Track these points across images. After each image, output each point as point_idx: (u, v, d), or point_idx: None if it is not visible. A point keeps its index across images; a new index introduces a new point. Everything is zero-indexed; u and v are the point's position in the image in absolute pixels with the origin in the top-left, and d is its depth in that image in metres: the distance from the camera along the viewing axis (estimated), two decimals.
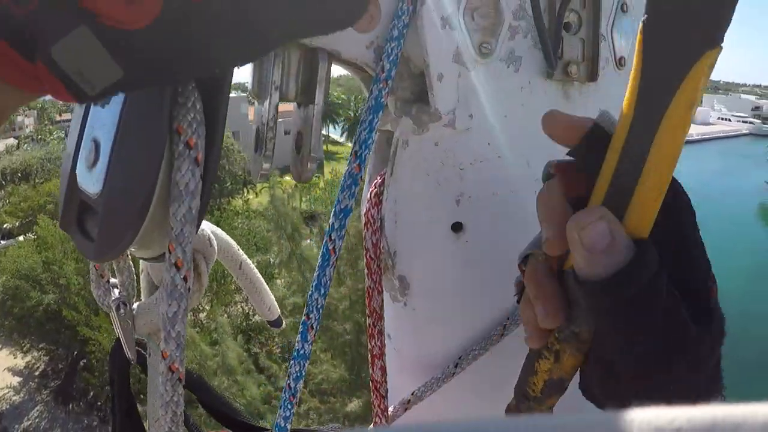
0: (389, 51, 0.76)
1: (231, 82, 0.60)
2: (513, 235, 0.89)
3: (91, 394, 21.95)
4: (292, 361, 0.80)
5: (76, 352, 22.74)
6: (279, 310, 1.15)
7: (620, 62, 0.93)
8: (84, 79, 0.41)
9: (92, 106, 0.59)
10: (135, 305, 0.88)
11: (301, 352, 0.80)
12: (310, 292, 0.79)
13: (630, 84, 0.49)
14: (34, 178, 36.55)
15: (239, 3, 0.42)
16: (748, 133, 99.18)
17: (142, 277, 0.90)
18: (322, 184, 33.96)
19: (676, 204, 0.52)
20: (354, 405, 13.28)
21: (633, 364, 0.51)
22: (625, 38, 0.93)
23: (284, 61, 0.75)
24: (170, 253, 0.55)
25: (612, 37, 0.91)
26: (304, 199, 35.51)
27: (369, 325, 0.89)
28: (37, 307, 21.64)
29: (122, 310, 0.85)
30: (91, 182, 0.56)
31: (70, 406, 22.34)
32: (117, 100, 0.55)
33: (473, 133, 0.83)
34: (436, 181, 0.84)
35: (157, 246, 0.59)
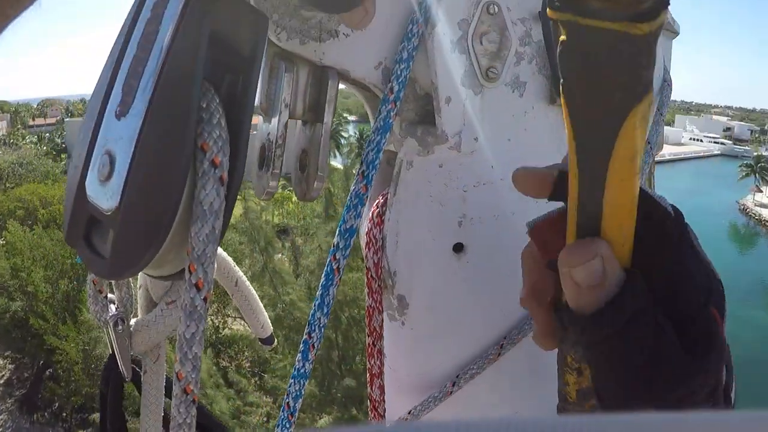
0: (398, 72, 0.77)
1: (254, 97, 0.60)
2: (512, 256, 0.90)
3: (57, 404, 21.65)
4: (291, 380, 0.80)
5: (42, 362, 22.43)
6: (272, 328, 1.14)
7: None
8: None
9: (104, 119, 0.58)
10: (132, 321, 0.87)
11: (302, 371, 0.80)
12: (312, 311, 0.79)
13: (568, 143, 0.48)
14: (5, 182, 36.06)
15: None
16: (720, 153, 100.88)
17: (139, 293, 0.89)
18: (294, 198, 33.93)
19: (665, 230, 0.52)
20: (323, 421, 13.24)
21: (622, 394, 0.51)
22: None
23: (294, 78, 0.75)
24: (191, 273, 0.55)
25: None
26: (277, 212, 35.48)
27: (369, 344, 0.89)
28: (3, 314, 21.34)
29: (120, 327, 0.84)
30: (104, 197, 0.55)
31: (35, 416, 22.00)
32: (135, 113, 0.54)
33: (477, 155, 0.84)
34: (440, 202, 0.85)
35: (170, 265, 0.58)
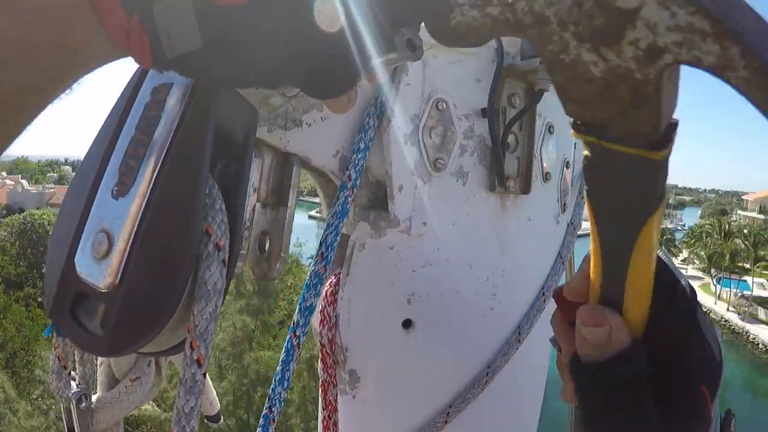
0: (356, 161, 0.84)
1: (247, 184, 0.64)
2: (457, 330, 0.97)
3: None
4: None
5: None
6: (219, 405, 1.16)
7: (546, 177, 1.04)
8: (169, 39, 0.45)
9: (97, 198, 0.60)
10: (94, 398, 0.88)
11: None
12: (273, 386, 0.82)
13: (592, 239, 0.55)
14: None
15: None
16: None
17: (100, 369, 0.90)
18: None
19: (677, 306, 0.57)
20: None
21: None
22: (550, 155, 1.05)
23: (261, 164, 0.80)
24: (192, 349, 0.57)
25: (541, 155, 1.02)
26: None
27: (324, 417, 0.93)
28: None
29: (83, 404, 0.84)
30: (99, 274, 0.56)
31: None
32: (136, 194, 0.56)
33: (426, 238, 0.91)
34: (390, 282, 0.91)
35: (161, 343, 0.60)
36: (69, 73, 0.47)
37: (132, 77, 0.64)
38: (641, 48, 0.41)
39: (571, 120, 0.49)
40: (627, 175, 0.48)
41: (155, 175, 0.57)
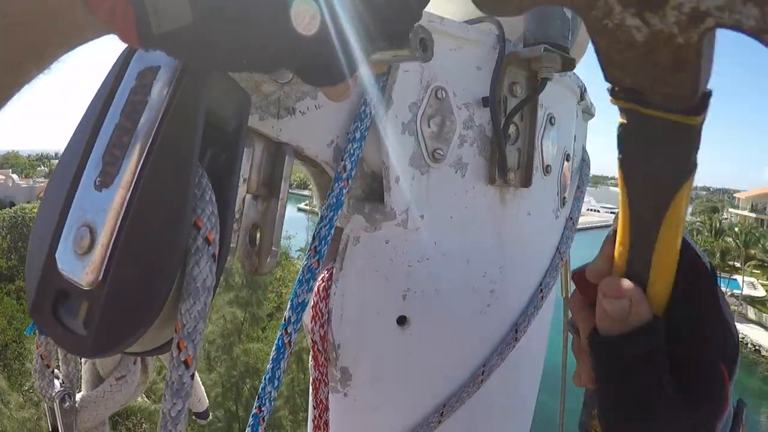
0: (351, 151, 0.80)
1: (239, 174, 0.61)
2: (453, 327, 0.94)
3: None
4: None
5: None
6: (207, 402, 1.13)
7: (547, 170, 1.01)
8: (157, 14, 0.42)
9: (79, 189, 0.56)
10: (78, 397, 0.84)
11: None
12: (262, 385, 0.79)
13: (621, 209, 0.55)
14: None
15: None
16: None
17: (85, 368, 0.86)
18: None
19: (700, 285, 0.57)
20: None
21: (611, 417, 0.58)
22: (551, 147, 1.01)
23: (252, 153, 0.77)
24: (180, 350, 0.54)
25: (542, 147, 0.99)
26: None
27: (315, 416, 0.90)
28: None
29: (67, 403, 0.81)
30: (81, 271, 0.52)
31: None
32: (120, 184, 0.53)
33: (422, 232, 0.88)
34: (385, 277, 0.88)
35: (147, 342, 0.57)
36: (48, 49, 0.44)
37: (117, 61, 0.60)
38: (684, 12, 0.42)
39: (609, 86, 0.49)
40: (663, 142, 0.49)
41: (141, 164, 0.53)
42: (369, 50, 0.52)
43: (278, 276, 20.53)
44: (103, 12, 0.42)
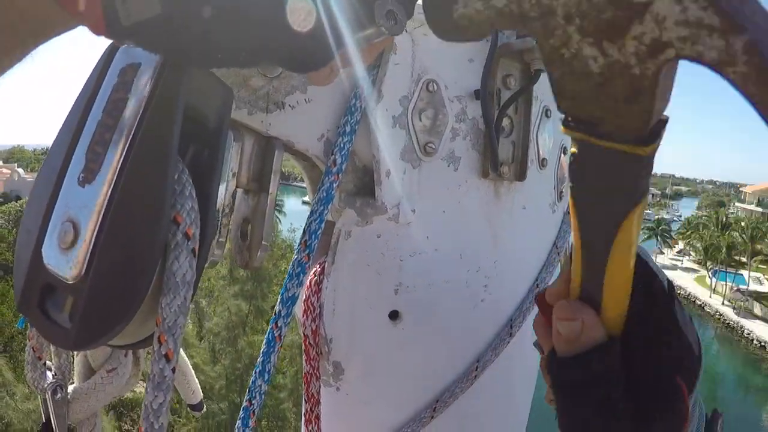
0: (341, 145, 0.80)
1: (221, 169, 0.60)
2: (445, 322, 0.93)
3: None
4: None
5: None
6: (201, 394, 1.13)
7: (542, 163, 1.00)
8: (125, 5, 0.42)
9: (63, 185, 0.57)
10: (70, 389, 0.85)
11: None
12: (253, 378, 0.79)
13: (573, 234, 0.55)
14: None
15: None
16: None
17: (77, 360, 0.87)
18: None
19: (655, 302, 0.57)
20: None
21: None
22: (547, 141, 1.01)
23: (241, 148, 0.76)
24: (160, 344, 0.54)
25: (537, 140, 0.98)
26: None
27: (306, 410, 0.89)
28: None
29: (59, 395, 0.82)
30: (66, 265, 0.53)
31: None
32: (101, 180, 0.53)
33: (414, 226, 0.87)
34: (376, 271, 0.87)
35: (130, 336, 0.57)
36: (18, 40, 0.43)
37: (101, 57, 0.61)
38: (644, 43, 0.41)
39: (562, 116, 0.49)
40: (613, 170, 0.48)
41: (121, 160, 0.53)
42: (349, 32, 0.52)
43: (283, 269, 20.61)
44: (69, 4, 0.41)
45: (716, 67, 0.39)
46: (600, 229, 0.52)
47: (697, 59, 0.40)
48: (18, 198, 49.54)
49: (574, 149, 0.50)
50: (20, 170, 69.77)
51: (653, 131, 0.45)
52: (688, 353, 0.58)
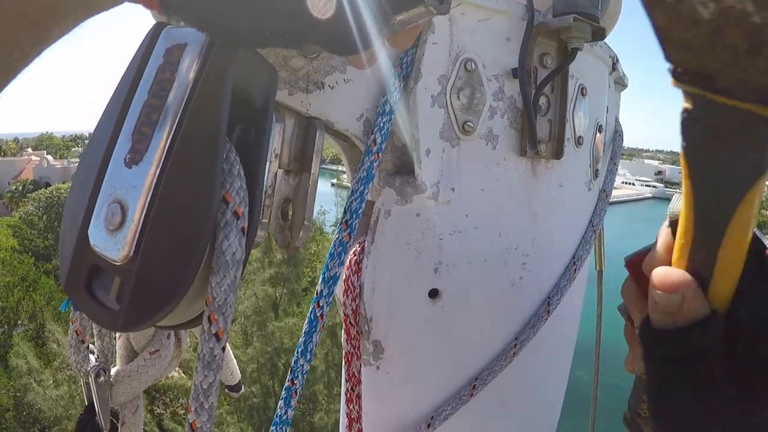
0: (381, 125, 0.80)
1: (267, 149, 0.61)
2: (485, 301, 0.94)
3: None
4: (273, 427, 0.81)
5: None
6: (240, 375, 1.14)
7: (579, 141, 1.00)
8: None
9: (109, 167, 0.57)
10: (112, 372, 0.86)
11: (284, 417, 0.80)
12: (295, 358, 0.80)
13: (684, 200, 0.51)
14: None
15: None
16: (652, 196, 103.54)
17: (119, 342, 0.88)
18: None
19: (764, 283, 0.53)
20: None
21: (653, 411, 0.56)
22: (583, 119, 1.00)
23: (284, 128, 0.77)
24: (211, 323, 0.55)
25: (573, 119, 0.98)
26: None
27: (347, 389, 0.90)
28: None
29: (102, 378, 0.83)
30: (114, 246, 0.54)
31: None
32: (149, 161, 0.54)
33: (453, 205, 0.87)
34: (416, 250, 0.88)
35: (179, 316, 0.58)
36: (69, 8, 0.44)
37: (144, 39, 0.61)
38: None
39: (671, 67, 0.44)
40: (735, 135, 0.43)
41: (169, 141, 0.54)
42: (389, 14, 0.52)
43: (312, 251, 20.67)
44: None
45: None
46: (719, 201, 0.48)
47: None
48: (48, 185, 50.14)
49: (687, 104, 0.45)
50: (49, 157, 70.56)
51: None
52: None
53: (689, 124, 0.46)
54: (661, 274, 0.54)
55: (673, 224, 0.55)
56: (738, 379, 0.52)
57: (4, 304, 22.96)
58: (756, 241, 0.52)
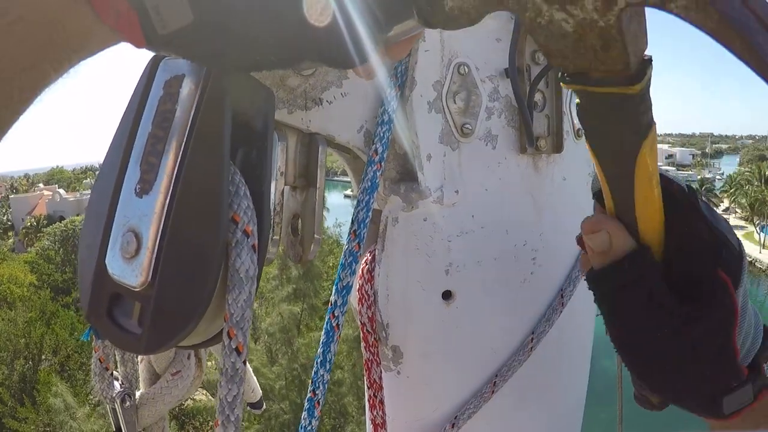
0: (381, 135, 0.82)
1: (270, 169, 0.63)
2: (498, 297, 0.95)
3: None
4: None
5: None
6: (261, 392, 1.16)
7: (578, 133, 1.01)
8: (159, 15, 0.44)
9: (120, 198, 0.59)
10: (137, 395, 0.88)
11: (308, 428, 0.82)
12: (315, 369, 0.81)
13: (598, 175, 0.62)
14: None
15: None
16: None
17: (141, 366, 0.90)
18: None
19: (676, 201, 0.62)
20: None
21: (623, 344, 0.63)
22: None
23: (286, 146, 0.79)
24: (230, 338, 0.57)
25: (571, 112, 0.99)
26: None
27: (369, 396, 0.92)
28: None
29: (128, 403, 0.85)
30: (131, 273, 0.56)
31: None
32: (158, 190, 0.56)
33: (459, 207, 0.89)
34: (426, 254, 0.89)
35: (200, 335, 0.60)
36: (63, 53, 0.46)
37: (143, 72, 0.63)
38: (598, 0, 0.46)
39: (560, 74, 0.54)
40: (612, 112, 0.54)
41: (176, 169, 0.56)
42: (383, 26, 0.53)
43: (331, 264, 20.69)
44: (108, 17, 0.44)
45: (660, 6, 0.44)
46: (619, 167, 0.58)
47: (644, 4, 0.45)
48: (61, 218, 50.51)
49: (577, 99, 0.56)
50: (61, 191, 71.07)
51: (639, 70, 0.51)
52: (725, 245, 0.61)
53: (581, 113, 0.57)
54: (587, 220, 0.64)
55: (596, 196, 0.66)
56: (681, 296, 0.59)
57: (28, 340, 23.12)
58: (667, 181, 0.62)
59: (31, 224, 55.21)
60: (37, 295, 27.50)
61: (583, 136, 1.03)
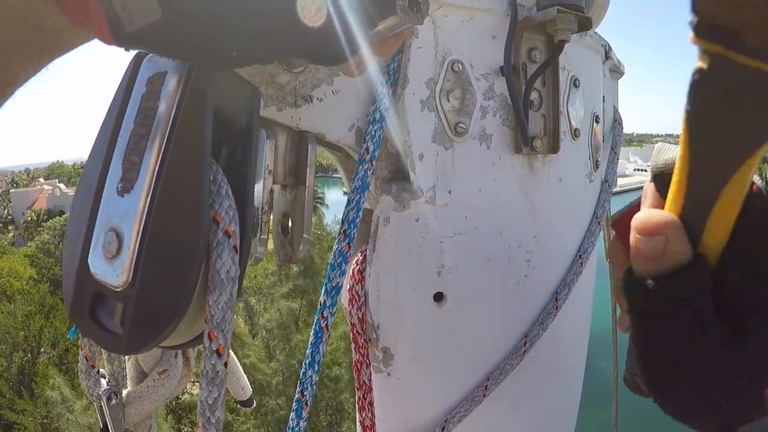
0: (372, 133, 0.80)
1: (255, 167, 0.61)
2: (491, 300, 0.93)
3: None
4: None
5: None
6: (251, 390, 1.15)
7: (575, 133, 1.00)
8: (126, 11, 0.43)
9: (103, 197, 0.58)
10: (124, 393, 0.87)
11: (296, 429, 0.80)
12: (303, 369, 0.80)
13: (679, 161, 0.49)
14: None
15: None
16: None
17: (128, 364, 0.89)
18: None
19: (751, 212, 0.49)
20: None
21: (643, 371, 0.54)
22: (578, 111, 1.00)
23: (275, 144, 0.77)
24: (211, 340, 0.56)
25: (568, 111, 0.97)
26: None
27: (359, 397, 0.91)
28: None
29: (114, 401, 0.84)
30: (113, 273, 0.55)
31: None
32: (140, 189, 0.55)
33: (451, 207, 0.87)
34: (418, 255, 0.88)
35: (181, 336, 0.59)
36: (33, 52, 0.45)
37: (127, 69, 0.62)
38: None
39: (695, 20, 0.41)
40: (750, 97, 0.41)
41: (157, 167, 0.55)
42: (374, 22, 0.52)
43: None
44: (77, 14, 0.43)
45: None
46: (719, 163, 0.46)
47: None
48: (61, 213, 50.71)
49: (702, 64, 0.42)
50: (61, 185, 71.19)
51: None
52: None
53: (701, 85, 0.43)
54: (642, 216, 0.51)
55: (656, 178, 0.54)
56: (727, 321, 0.50)
57: (27, 333, 23.15)
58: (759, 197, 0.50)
59: (31, 218, 55.36)
60: (37, 288, 27.52)
61: (582, 137, 1.02)
